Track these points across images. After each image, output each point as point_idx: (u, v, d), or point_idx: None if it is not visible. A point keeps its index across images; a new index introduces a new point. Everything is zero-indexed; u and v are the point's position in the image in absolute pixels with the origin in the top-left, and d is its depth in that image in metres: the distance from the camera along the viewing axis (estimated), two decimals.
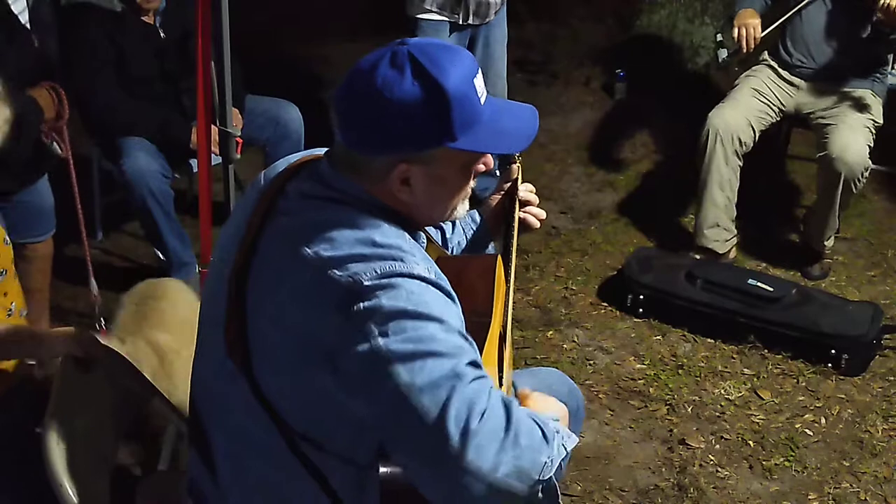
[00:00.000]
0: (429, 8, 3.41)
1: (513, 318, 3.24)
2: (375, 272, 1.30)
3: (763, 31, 3.37)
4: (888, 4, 3.12)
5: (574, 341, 3.21)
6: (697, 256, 3.55)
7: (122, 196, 3.22)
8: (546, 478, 1.31)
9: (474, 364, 1.31)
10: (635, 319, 3.32)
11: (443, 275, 1.39)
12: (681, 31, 5.26)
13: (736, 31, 3.39)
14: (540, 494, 1.32)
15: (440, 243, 1.88)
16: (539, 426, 1.33)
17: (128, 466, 2.47)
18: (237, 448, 1.49)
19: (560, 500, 1.39)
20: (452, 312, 1.34)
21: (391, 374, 1.26)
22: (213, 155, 2.72)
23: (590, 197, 4.17)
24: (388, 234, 1.36)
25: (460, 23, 3.47)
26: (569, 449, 1.37)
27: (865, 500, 2.59)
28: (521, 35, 4.96)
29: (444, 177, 1.43)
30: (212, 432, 1.52)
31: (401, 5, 3.50)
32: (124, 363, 1.96)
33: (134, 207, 3.18)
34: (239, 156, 2.62)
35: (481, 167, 1.47)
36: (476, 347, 1.35)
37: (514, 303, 3.33)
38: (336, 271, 1.31)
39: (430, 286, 1.33)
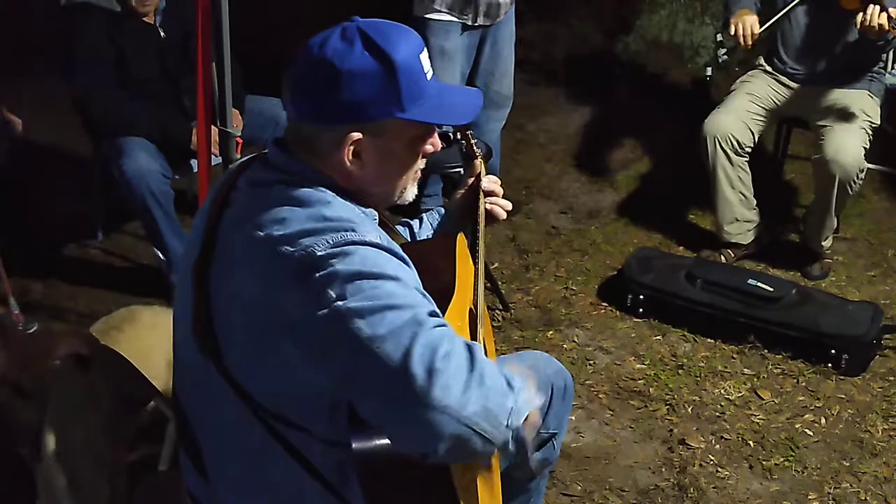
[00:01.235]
0: (438, 8, 3.37)
1: (513, 318, 3.27)
2: (328, 242, 1.33)
3: (760, 27, 3.37)
4: (868, 21, 3.12)
5: (574, 341, 3.21)
6: (732, 252, 3.59)
7: (122, 196, 3.22)
8: (514, 426, 1.33)
9: (434, 314, 1.34)
10: (635, 319, 3.32)
11: (395, 242, 1.42)
12: (681, 31, 5.26)
13: (733, 28, 3.38)
14: (511, 447, 1.34)
15: (409, 240, 1.90)
16: (503, 375, 1.36)
17: (128, 466, 2.47)
18: (223, 445, 1.50)
19: (531, 457, 1.40)
20: (408, 273, 1.38)
21: (352, 329, 1.29)
22: (213, 155, 2.73)
23: (590, 197, 4.17)
24: (337, 208, 1.40)
25: (470, 23, 3.45)
26: (536, 405, 1.39)
27: (865, 500, 2.59)
28: (521, 35, 4.93)
29: (394, 151, 1.47)
30: (199, 433, 1.53)
31: (402, 6, 3.49)
32: (124, 363, 1.96)
33: (134, 207, 3.18)
34: (239, 156, 2.62)
35: (429, 148, 1.51)
36: (434, 304, 1.37)
37: (514, 303, 3.37)
38: (288, 248, 1.34)
39: (382, 251, 1.37)
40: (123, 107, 3.17)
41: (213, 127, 2.60)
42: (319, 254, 1.32)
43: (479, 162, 1.96)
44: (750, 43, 3.36)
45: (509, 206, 1.98)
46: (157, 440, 2.03)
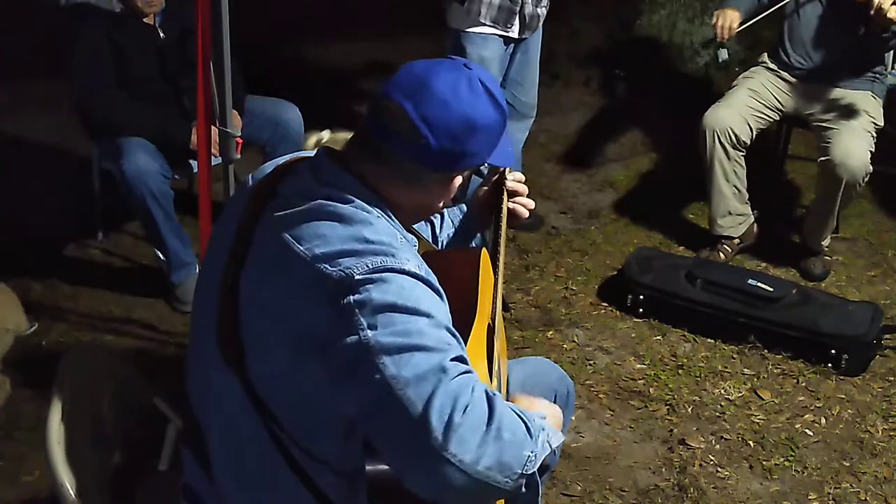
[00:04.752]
0: (482, 21, 3.29)
1: (513, 319, 3.27)
2: (367, 266, 1.32)
3: (741, 25, 3.49)
4: (879, 6, 3.13)
5: (574, 341, 3.21)
6: (728, 248, 3.60)
7: (122, 196, 3.22)
8: (529, 472, 1.33)
9: (461, 359, 1.33)
10: (635, 319, 3.32)
11: (431, 272, 1.41)
12: (681, 31, 5.26)
13: (715, 19, 3.53)
14: (524, 489, 1.34)
15: (430, 239, 1.90)
16: (524, 421, 1.35)
17: (128, 466, 2.47)
18: (232, 446, 1.49)
19: (540, 498, 1.38)
20: (440, 308, 1.37)
21: (378, 365, 1.28)
22: (213, 155, 2.73)
23: (590, 197, 4.17)
24: (379, 231, 1.39)
25: (516, 37, 3.37)
26: (554, 446, 1.39)
27: (865, 500, 2.59)
28: None
29: (458, 184, 1.52)
30: (207, 431, 1.53)
31: (401, 5, 3.47)
32: (125, 364, 1.96)
33: (134, 207, 3.18)
34: (239, 156, 2.62)
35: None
36: (463, 343, 1.37)
37: (514, 303, 3.38)
38: (328, 266, 1.33)
39: (419, 282, 1.36)
40: (123, 107, 3.17)
41: (213, 127, 2.61)
42: (357, 277, 1.31)
43: None
44: (726, 36, 3.50)
45: (532, 204, 1.97)
46: (158, 440, 2.03)
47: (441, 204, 1.53)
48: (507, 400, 1.43)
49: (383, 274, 1.32)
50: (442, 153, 1.41)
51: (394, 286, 1.32)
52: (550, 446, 1.37)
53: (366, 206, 1.41)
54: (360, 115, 1.51)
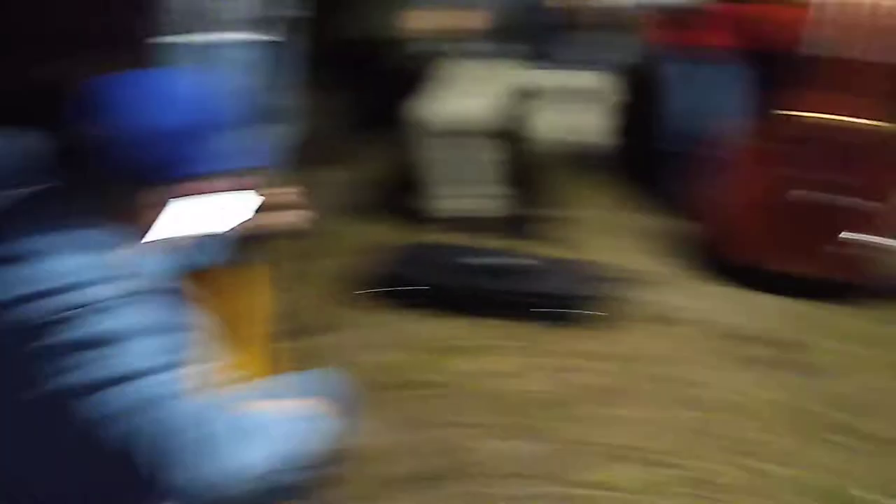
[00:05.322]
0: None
1: (276, 329, 3.19)
2: (49, 308, 1.23)
3: None
4: None
5: (344, 344, 3.19)
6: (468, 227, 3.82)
7: None
8: (269, 470, 1.30)
9: (167, 371, 1.26)
10: (403, 312, 3.37)
11: (143, 291, 1.33)
12: None
13: None
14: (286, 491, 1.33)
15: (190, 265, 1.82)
16: (239, 427, 1.30)
17: None
18: None
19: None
20: (147, 327, 1.28)
21: (72, 412, 1.21)
22: None
23: (345, 197, 4.18)
24: (66, 263, 1.28)
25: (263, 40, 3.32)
26: (302, 435, 1.38)
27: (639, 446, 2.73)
28: None
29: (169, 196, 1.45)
30: None
31: None
32: None
33: None
34: None
35: None
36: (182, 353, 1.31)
37: (279, 314, 3.29)
38: (8, 317, 1.24)
39: (115, 307, 1.27)
40: None
41: None
42: (39, 323, 1.24)
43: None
44: None
45: (293, 216, 1.90)
46: None
47: (154, 218, 1.43)
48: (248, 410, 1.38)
49: (67, 313, 1.23)
50: (143, 166, 1.34)
51: (83, 322, 1.23)
52: (289, 440, 1.35)
53: (55, 238, 1.30)
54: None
